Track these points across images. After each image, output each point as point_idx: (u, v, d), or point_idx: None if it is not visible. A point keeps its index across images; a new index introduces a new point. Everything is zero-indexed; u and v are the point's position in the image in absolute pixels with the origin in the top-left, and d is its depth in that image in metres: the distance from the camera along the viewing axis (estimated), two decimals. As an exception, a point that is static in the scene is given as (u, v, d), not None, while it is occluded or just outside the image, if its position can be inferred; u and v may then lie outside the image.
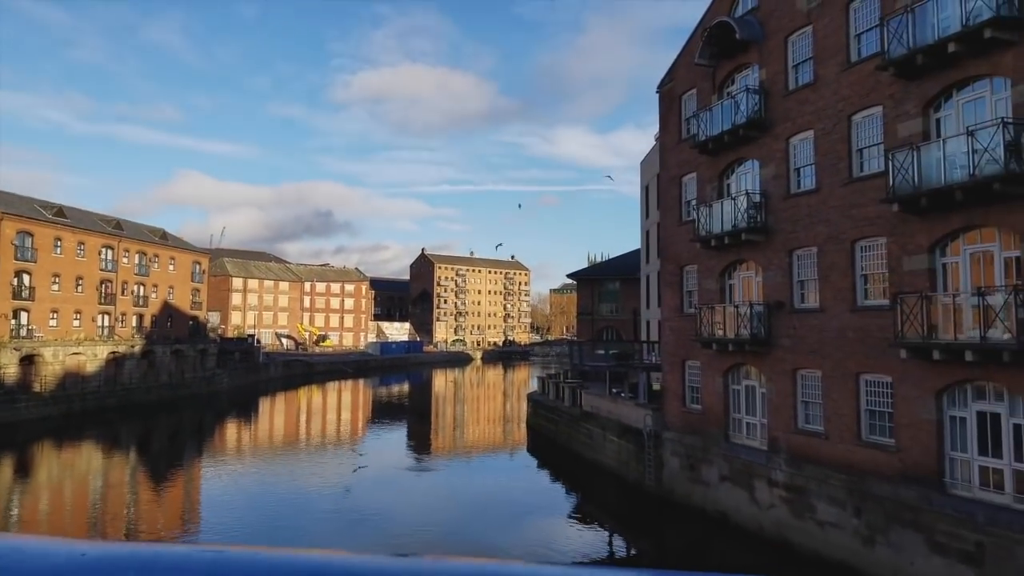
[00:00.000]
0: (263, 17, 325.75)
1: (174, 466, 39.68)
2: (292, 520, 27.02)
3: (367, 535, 24.74)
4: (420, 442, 49.79)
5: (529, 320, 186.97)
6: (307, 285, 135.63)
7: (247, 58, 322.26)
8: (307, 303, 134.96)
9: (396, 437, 52.93)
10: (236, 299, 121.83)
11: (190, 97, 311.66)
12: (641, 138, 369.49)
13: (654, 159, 44.60)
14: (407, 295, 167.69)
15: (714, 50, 24.84)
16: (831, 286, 20.30)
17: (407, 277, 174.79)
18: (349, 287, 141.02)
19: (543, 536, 25.51)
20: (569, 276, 69.39)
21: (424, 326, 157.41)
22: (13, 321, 53.72)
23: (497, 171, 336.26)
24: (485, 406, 72.89)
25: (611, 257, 70.81)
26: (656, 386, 29.33)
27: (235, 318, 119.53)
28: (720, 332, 23.66)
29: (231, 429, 55.17)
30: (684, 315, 26.93)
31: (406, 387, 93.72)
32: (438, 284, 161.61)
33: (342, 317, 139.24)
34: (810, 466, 20.70)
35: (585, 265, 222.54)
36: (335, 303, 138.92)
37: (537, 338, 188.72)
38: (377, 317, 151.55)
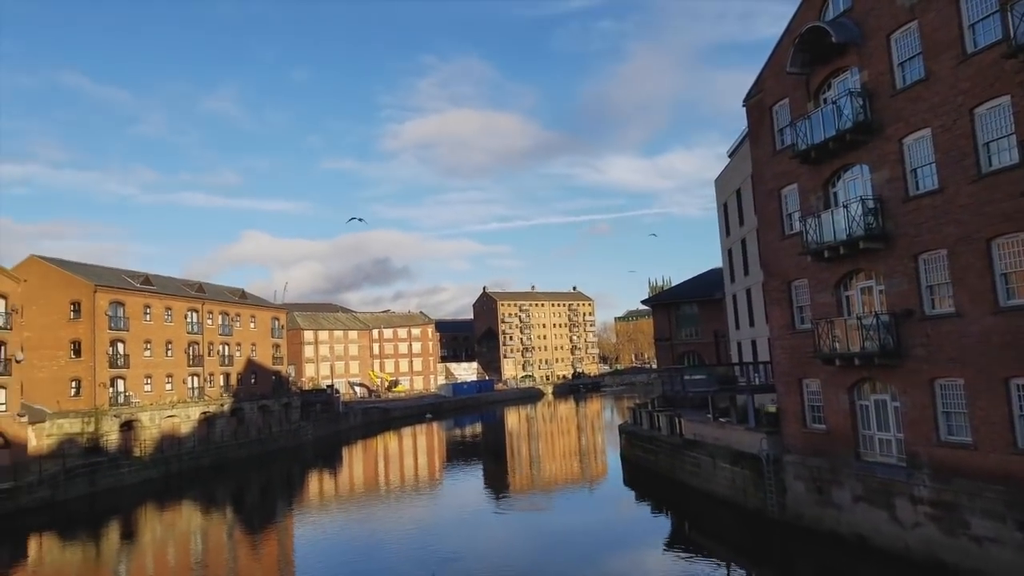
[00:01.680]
0: (314, 79, 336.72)
1: (267, 521, 40.46)
2: (380, 566, 27.42)
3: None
4: (509, 480, 49.18)
5: (596, 351, 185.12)
6: (375, 332, 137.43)
7: (300, 119, 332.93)
8: (376, 350, 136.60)
9: (477, 477, 52.37)
10: (308, 351, 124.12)
11: (248, 161, 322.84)
12: (689, 159, 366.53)
13: (730, 177, 43.91)
14: (471, 334, 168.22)
15: (807, 57, 24.24)
16: (967, 289, 19.25)
17: (468, 317, 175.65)
18: (415, 331, 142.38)
19: (656, 571, 24.63)
20: (644, 303, 68.64)
21: (492, 364, 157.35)
22: (111, 389, 55.47)
23: (546, 204, 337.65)
24: (568, 440, 71.88)
25: (682, 280, 69.52)
26: (772, 408, 28.23)
27: (309, 370, 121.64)
28: (843, 347, 22.66)
29: (319, 480, 55.62)
30: (796, 332, 25.97)
31: (483, 427, 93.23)
32: (502, 321, 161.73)
33: (411, 361, 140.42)
34: (958, 479, 19.47)
35: (647, 290, 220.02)
36: (403, 348, 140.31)
37: (606, 368, 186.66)
38: (444, 359, 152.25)
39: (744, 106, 29.10)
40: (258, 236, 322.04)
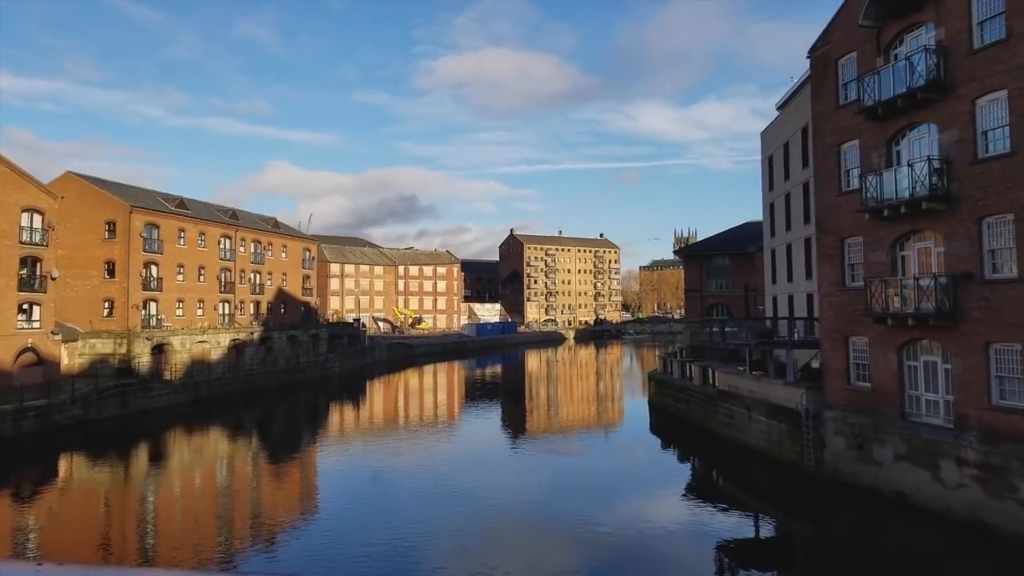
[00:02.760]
0: (351, 9, 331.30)
1: (292, 450, 41.00)
2: (398, 497, 27.93)
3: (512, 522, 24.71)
4: (531, 421, 49.76)
5: (620, 299, 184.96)
6: (400, 269, 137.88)
7: (334, 49, 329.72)
8: (401, 286, 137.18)
9: (498, 417, 52.97)
10: (334, 284, 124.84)
11: (279, 89, 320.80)
12: (723, 110, 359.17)
13: (779, 130, 42.90)
14: (496, 276, 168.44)
15: (880, 10, 23.32)
16: (1033, 255, 18.78)
17: (492, 258, 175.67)
18: (441, 270, 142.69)
19: (681, 517, 24.97)
20: (676, 253, 68.28)
21: (515, 307, 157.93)
22: (143, 311, 55.88)
23: (574, 149, 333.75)
24: (590, 385, 72.41)
25: (714, 233, 68.76)
26: (816, 364, 28.11)
27: (333, 303, 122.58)
28: (896, 306, 22.34)
29: (344, 412, 56.53)
30: (846, 290, 25.63)
31: (505, 368, 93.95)
32: (528, 264, 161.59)
33: (435, 299, 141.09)
34: (1008, 444, 19.36)
35: (672, 241, 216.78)
36: (428, 286, 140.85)
37: (628, 316, 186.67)
38: (467, 299, 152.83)
39: (808, 58, 28.17)
40: (285, 166, 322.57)
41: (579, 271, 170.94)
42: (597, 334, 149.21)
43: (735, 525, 24.48)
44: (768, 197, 44.90)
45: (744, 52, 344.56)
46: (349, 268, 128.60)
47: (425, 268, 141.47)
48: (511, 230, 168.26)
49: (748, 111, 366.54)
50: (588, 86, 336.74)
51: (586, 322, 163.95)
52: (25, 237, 44.37)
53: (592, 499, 27.04)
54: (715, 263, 61.69)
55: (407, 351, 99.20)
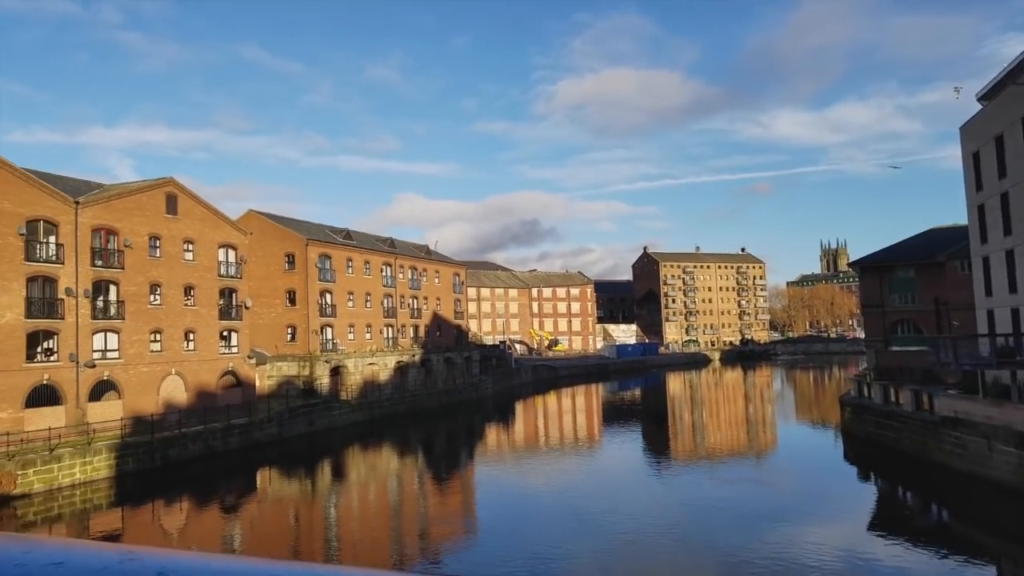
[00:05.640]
0: (473, 45, 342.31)
1: (453, 467, 42.80)
2: (551, 516, 28.22)
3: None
4: (714, 448, 47.31)
5: (767, 317, 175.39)
6: (534, 291, 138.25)
7: (457, 83, 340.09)
8: (535, 308, 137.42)
9: (677, 443, 50.84)
10: (471, 307, 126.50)
11: (405, 125, 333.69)
12: (863, 110, 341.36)
13: (988, 122, 39.05)
14: (628, 296, 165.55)
15: None
16: None
17: (618, 277, 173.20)
18: (574, 291, 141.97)
19: (902, 558, 22.16)
20: (851, 264, 64.12)
21: (652, 327, 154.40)
22: (321, 336, 58.48)
23: (698, 162, 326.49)
24: (764, 410, 68.89)
25: (896, 242, 63.93)
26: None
27: (471, 326, 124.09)
28: None
29: (499, 432, 57.13)
30: None
31: (654, 391, 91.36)
32: (664, 283, 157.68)
33: (569, 321, 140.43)
34: None
35: (818, 255, 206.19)
36: (562, 307, 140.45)
37: (777, 336, 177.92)
38: (600, 319, 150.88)
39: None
40: (411, 197, 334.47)
41: (720, 288, 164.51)
42: (744, 355, 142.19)
43: (975, 570, 21.63)
44: (975, 198, 40.91)
45: (884, 48, 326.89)
46: (485, 292, 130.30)
47: (558, 290, 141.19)
48: (644, 248, 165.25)
49: (893, 109, 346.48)
50: (713, 97, 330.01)
51: (730, 342, 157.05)
52: (223, 271, 47.80)
53: (794, 532, 24.79)
54: (898, 275, 57.14)
55: (550, 373, 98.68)
